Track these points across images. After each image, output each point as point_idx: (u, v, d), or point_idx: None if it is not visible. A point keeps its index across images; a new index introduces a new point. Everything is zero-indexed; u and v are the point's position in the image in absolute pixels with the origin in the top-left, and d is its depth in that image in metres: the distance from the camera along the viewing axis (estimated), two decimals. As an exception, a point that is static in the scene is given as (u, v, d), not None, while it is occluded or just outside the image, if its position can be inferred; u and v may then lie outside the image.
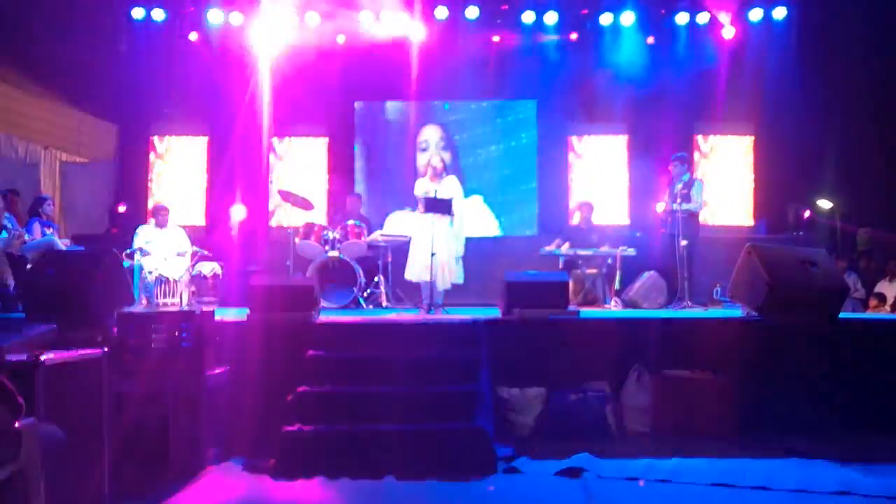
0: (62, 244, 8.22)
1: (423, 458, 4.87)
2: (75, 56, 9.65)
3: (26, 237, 7.79)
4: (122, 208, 9.98)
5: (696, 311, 7.76)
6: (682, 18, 10.64)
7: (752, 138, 10.96)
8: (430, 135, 11.16)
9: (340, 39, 10.71)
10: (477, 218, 10.60)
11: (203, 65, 10.68)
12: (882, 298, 9.03)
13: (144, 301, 7.96)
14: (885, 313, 8.58)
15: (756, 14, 10.62)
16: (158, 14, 10.71)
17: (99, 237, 9.68)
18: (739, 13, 10.68)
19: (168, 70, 10.59)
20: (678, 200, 8.30)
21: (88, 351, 4.20)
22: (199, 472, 4.81)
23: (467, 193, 9.08)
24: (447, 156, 8.19)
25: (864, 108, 10.01)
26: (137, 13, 10.69)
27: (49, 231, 8.31)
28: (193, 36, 10.83)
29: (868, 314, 8.47)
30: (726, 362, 5.92)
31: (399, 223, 9.95)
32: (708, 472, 4.75)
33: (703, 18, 10.66)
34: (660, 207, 8.74)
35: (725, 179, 10.85)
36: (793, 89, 9.98)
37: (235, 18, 10.74)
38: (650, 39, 10.70)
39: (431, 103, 11.08)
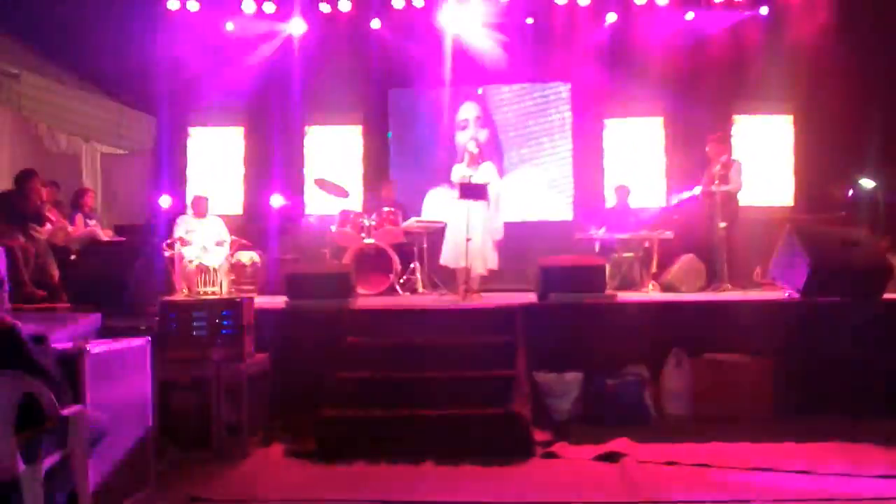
0: (104, 235, 8.39)
1: (461, 443, 4.90)
2: (113, 49, 9.78)
3: (69, 229, 7.96)
4: (165, 202, 10.13)
5: (736, 294, 7.65)
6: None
7: (792, 117, 10.72)
8: (470, 111, 11.11)
9: (375, 24, 10.73)
10: (513, 202, 10.55)
11: (238, 54, 10.76)
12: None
13: (185, 290, 8.10)
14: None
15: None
16: (193, 4, 10.80)
17: (140, 227, 9.85)
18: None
19: (203, 61, 10.66)
20: (716, 182, 8.18)
21: (132, 340, 4.29)
22: (242, 456, 4.89)
23: (503, 176, 9.02)
24: (484, 134, 8.14)
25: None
26: (173, 4, 10.79)
27: (91, 222, 8.49)
28: (229, 26, 10.92)
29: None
30: (767, 345, 5.85)
31: (436, 206, 9.96)
32: (748, 456, 4.71)
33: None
34: (697, 190, 8.63)
35: (765, 159, 10.64)
36: (832, 66, 9.74)
37: (269, 7, 10.80)
38: (689, 16, 10.48)
39: (465, 88, 11.03)
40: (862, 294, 5.99)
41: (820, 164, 10.35)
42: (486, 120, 11.05)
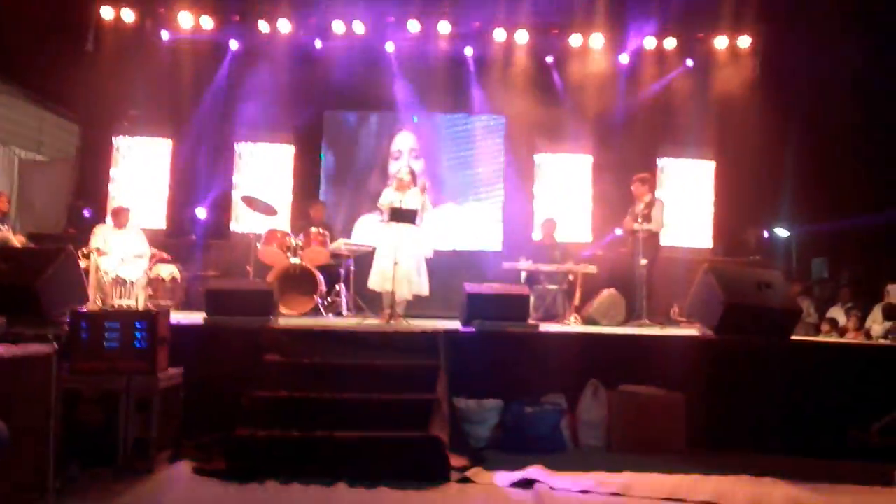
0: (17, 241, 8.07)
1: (377, 466, 4.83)
2: (40, 54, 9.51)
3: (-23, 232, 7.63)
4: (86, 212, 9.81)
5: (654, 329, 7.84)
6: (649, 43, 10.85)
7: (714, 163, 11.16)
8: (404, 142, 11.18)
9: (318, 45, 10.75)
10: (443, 230, 10.61)
11: (171, 67, 10.59)
12: (834, 324, 9.23)
13: (99, 301, 7.83)
14: (834, 338, 8.77)
15: (721, 42, 10.86)
16: (128, 14, 10.60)
17: (56, 236, 9.51)
18: (705, 40, 10.92)
19: (134, 71, 10.46)
20: (640, 220, 8.41)
21: (38, 346, 4.11)
22: (148, 473, 4.72)
23: (435, 205, 9.08)
24: (419, 165, 8.18)
25: (818, 140, 10.27)
26: (107, 13, 10.56)
27: (3, 227, 8.15)
28: (164, 36, 10.74)
29: (820, 338, 8.64)
30: (681, 380, 5.98)
31: (366, 231, 9.93)
32: (659, 486, 4.79)
33: (670, 44, 10.89)
34: (620, 229, 8.87)
35: (687, 202, 11.03)
36: (753, 117, 10.21)
37: (206, 22, 10.69)
38: (623, 58, 10.87)
39: (401, 115, 11.10)
40: (773, 334, 6.21)
41: (738, 210, 10.79)
42: (420, 151, 11.13)
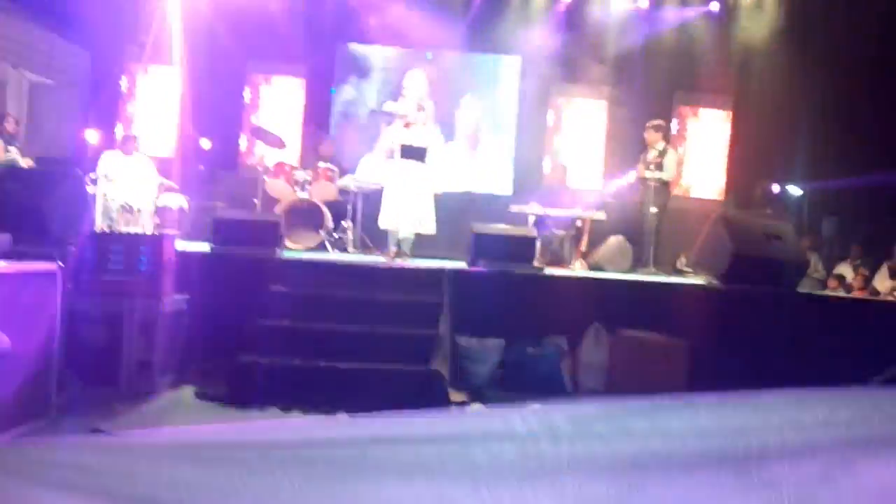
0: (25, 163, 8.04)
1: (378, 397, 4.84)
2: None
3: (-13, 152, 7.60)
4: (93, 138, 9.73)
5: (659, 277, 7.81)
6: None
7: (731, 113, 10.97)
8: (415, 80, 10.97)
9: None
10: (454, 171, 10.52)
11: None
12: (841, 280, 9.20)
13: (106, 228, 7.82)
14: (840, 293, 8.74)
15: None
16: (139, -64, 10.37)
17: (64, 161, 9.46)
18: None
19: (144, -1, 10.27)
20: (651, 168, 8.31)
21: (42, 264, 4.13)
22: (150, 395, 4.78)
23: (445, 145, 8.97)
24: (430, 104, 8.06)
25: (837, 95, 10.06)
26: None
27: (11, 149, 8.12)
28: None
29: (825, 292, 8.61)
30: (684, 327, 5.98)
31: (371, 169, 9.85)
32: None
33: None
34: (632, 176, 8.76)
35: (701, 152, 10.89)
36: (773, 68, 10.01)
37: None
38: (643, 3, 10.61)
39: (414, 51, 10.91)
40: (779, 285, 6.18)
41: (752, 162, 10.63)
42: (432, 90, 10.94)
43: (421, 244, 8.08)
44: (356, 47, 11.10)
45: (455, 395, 5.14)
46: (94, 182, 7.93)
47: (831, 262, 10.23)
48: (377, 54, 11.07)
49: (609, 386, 5.89)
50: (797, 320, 6.02)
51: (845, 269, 9.39)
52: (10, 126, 8.30)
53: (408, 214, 7.49)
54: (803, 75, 9.97)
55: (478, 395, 5.36)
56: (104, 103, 10.68)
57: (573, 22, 10.68)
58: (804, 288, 6.95)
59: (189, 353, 5.39)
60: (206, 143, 9.80)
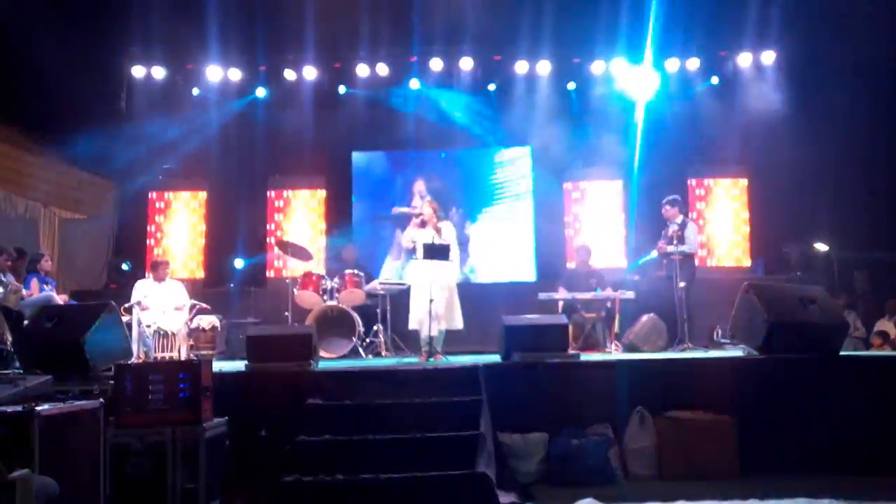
0: (60, 300, 8.22)
1: (426, 506, 4.79)
2: (75, 115, 9.77)
3: (24, 292, 7.80)
4: (125, 266, 10.00)
5: (697, 352, 7.71)
6: (672, 65, 10.84)
7: (746, 180, 11.05)
8: (421, 182, 11.25)
9: (341, 90, 10.96)
10: (476, 264, 10.61)
11: (201, 120, 10.83)
12: (885, 337, 9.00)
13: (142, 355, 7.92)
14: (887, 351, 8.54)
15: (745, 59, 10.83)
16: (158, 72, 10.91)
17: (98, 293, 9.68)
18: (728, 58, 10.90)
19: (167, 127, 10.72)
20: (674, 242, 8.33)
21: (85, 402, 4.17)
22: (198, 524, 4.72)
23: (464, 239, 9.08)
24: (436, 204, 8.21)
25: (855, 149, 10.12)
26: (138, 71, 10.88)
27: (47, 287, 8.32)
28: (194, 91, 11.02)
29: (871, 353, 8.42)
30: (728, 402, 5.85)
31: (393, 272, 9.95)
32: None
33: (692, 64, 10.88)
34: (654, 252, 8.78)
35: (722, 221, 10.91)
36: (783, 130, 10.12)
37: (234, 74, 10.95)
38: (648, 83, 10.87)
39: (428, 152, 11.20)
40: (820, 350, 6.07)
41: (775, 226, 10.62)
42: (443, 192, 11.09)
43: (451, 339, 8.07)
44: (370, 154, 11.41)
45: (504, 497, 5.01)
46: (129, 311, 8.09)
47: (867, 317, 10.05)
48: (391, 159, 11.37)
49: (661, 470, 5.73)
50: (845, 384, 5.87)
51: (887, 325, 9.21)
52: (46, 265, 8.54)
53: (436, 314, 7.52)
54: (814, 137, 10.06)
55: (526, 494, 5.23)
56: (132, 232, 11.00)
57: (579, 106, 10.97)
58: (847, 348, 6.80)
59: (234, 476, 5.35)
60: (239, 263, 10.01)
